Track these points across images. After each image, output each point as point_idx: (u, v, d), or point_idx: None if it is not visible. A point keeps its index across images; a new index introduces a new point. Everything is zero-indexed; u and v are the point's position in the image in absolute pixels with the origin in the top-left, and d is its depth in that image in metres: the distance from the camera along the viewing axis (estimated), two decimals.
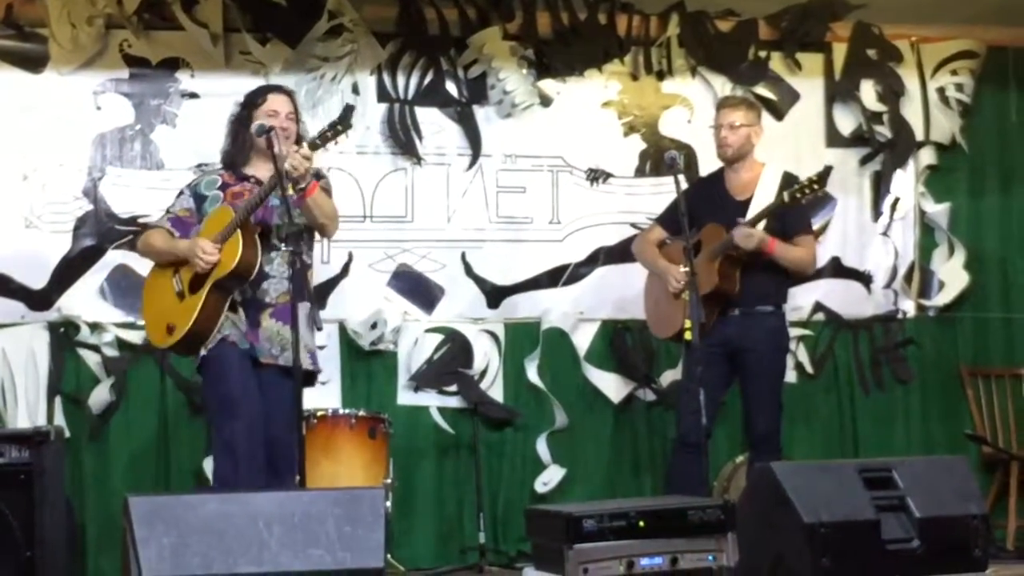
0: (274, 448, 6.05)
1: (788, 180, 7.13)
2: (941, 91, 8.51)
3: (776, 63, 8.35)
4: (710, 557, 5.77)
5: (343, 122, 6.05)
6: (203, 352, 6.15)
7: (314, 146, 6.04)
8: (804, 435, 8.22)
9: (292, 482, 5.87)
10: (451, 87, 7.97)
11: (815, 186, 6.92)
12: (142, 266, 6.87)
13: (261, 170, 6.27)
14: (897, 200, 8.45)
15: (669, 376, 7.99)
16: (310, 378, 6.31)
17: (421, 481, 7.77)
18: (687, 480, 6.90)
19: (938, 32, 8.52)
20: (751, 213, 7.02)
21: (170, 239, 6.30)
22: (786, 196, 6.93)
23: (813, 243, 7.31)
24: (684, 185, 6.95)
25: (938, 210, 8.48)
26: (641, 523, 5.71)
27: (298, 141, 6.23)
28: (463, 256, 7.97)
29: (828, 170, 7.18)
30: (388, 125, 7.87)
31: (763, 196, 7.09)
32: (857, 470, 5.49)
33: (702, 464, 6.77)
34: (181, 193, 6.45)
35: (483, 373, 7.91)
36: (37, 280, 7.44)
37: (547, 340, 7.97)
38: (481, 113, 8.01)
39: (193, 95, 7.60)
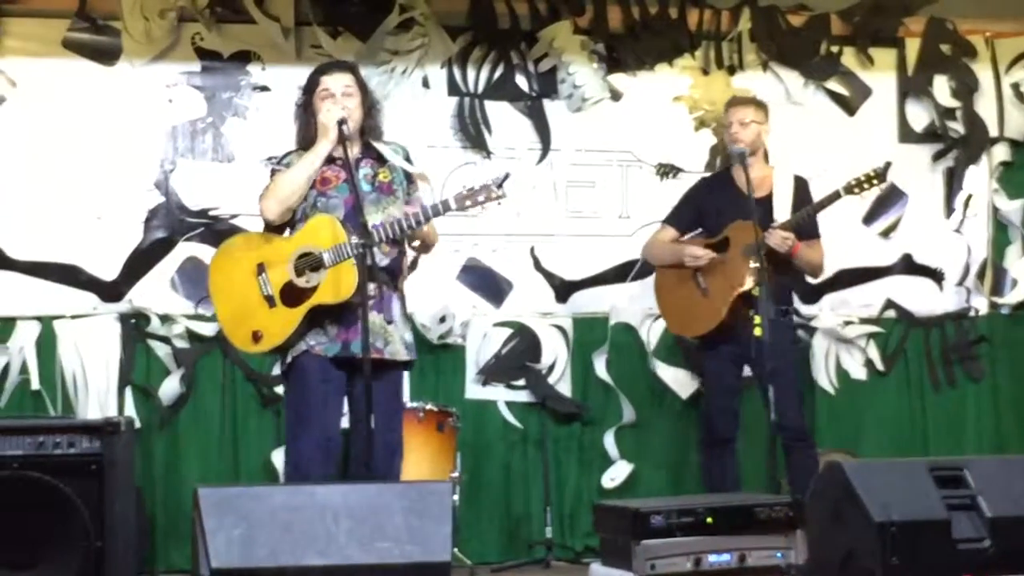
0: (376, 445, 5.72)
1: (799, 184, 7.18)
2: (1015, 87, 8.44)
3: (848, 58, 8.30)
4: (778, 554, 5.74)
5: (493, 191, 5.93)
6: (288, 358, 5.95)
7: (462, 207, 5.93)
8: (874, 433, 8.16)
9: (394, 476, 5.78)
10: (521, 81, 7.97)
11: (874, 181, 6.96)
12: None
13: (343, 150, 5.98)
14: (970, 197, 8.38)
15: None
16: (406, 366, 6.14)
17: (488, 475, 7.77)
18: (723, 478, 6.97)
19: (1013, 27, 8.45)
20: (778, 215, 7.01)
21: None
22: (842, 190, 6.98)
23: (822, 247, 7.27)
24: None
25: (1012, 207, 8.40)
26: (709, 519, 5.69)
27: (369, 111, 6.09)
28: (532, 250, 7.97)
29: (887, 166, 7.12)
30: (458, 119, 7.88)
31: (778, 199, 7.11)
32: (928, 468, 5.43)
33: (734, 461, 7.04)
34: (279, 161, 6.12)
35: (551, 368, 7.90)
36: (108, 272, 7.49)
37: (615, 335, 7.95)
38: (551, 107, 8.00)
39: (264, 88, 7.62)
